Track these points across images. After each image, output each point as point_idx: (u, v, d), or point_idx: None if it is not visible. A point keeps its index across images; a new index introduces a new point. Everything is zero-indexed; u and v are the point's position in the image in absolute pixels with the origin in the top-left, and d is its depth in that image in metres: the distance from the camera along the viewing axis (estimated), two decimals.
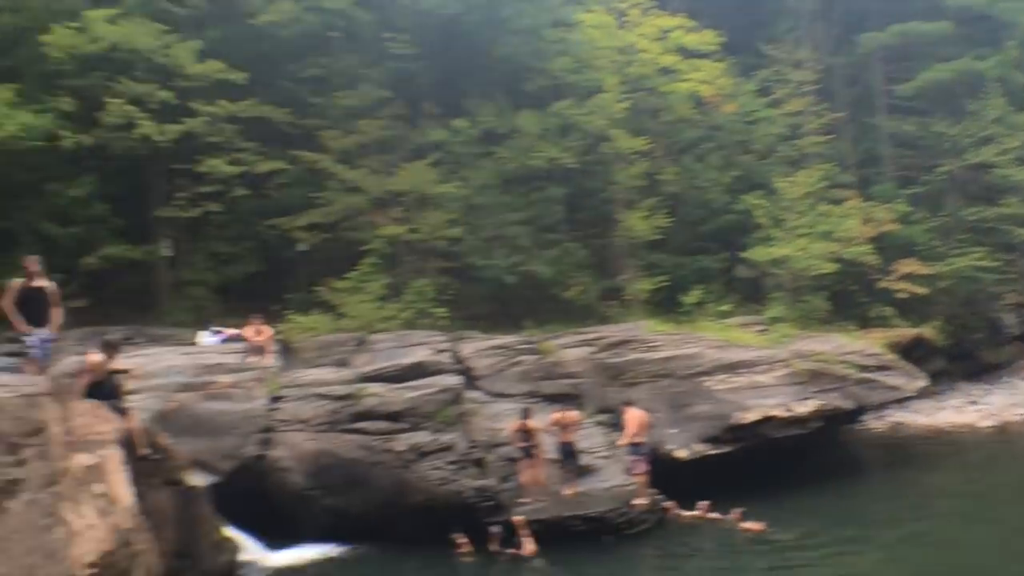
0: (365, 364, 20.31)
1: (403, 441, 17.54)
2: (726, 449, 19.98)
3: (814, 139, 33.56)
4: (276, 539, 16.39)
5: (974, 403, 32.15)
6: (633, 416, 18.24)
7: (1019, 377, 36.70)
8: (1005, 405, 30.92)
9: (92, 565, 8.46)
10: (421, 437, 17.69)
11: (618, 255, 29.18)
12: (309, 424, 17.84)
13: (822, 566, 14.76)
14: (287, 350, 21.68)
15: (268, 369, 19.58)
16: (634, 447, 17.90)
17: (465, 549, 15.99)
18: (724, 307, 27.80)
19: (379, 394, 18.59)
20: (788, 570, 14.75)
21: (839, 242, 29.58)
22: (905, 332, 30.91)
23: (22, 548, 7.66)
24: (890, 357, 24.87)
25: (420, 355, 20.24)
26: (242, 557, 15.41)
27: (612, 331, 23.68)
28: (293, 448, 17.35)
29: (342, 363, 20.77)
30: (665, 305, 27.88)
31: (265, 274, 25.95)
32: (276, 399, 18.49)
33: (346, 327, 22.89)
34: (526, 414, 17.81)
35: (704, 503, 17.91)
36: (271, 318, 22.10)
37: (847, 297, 31.91)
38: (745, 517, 17.12)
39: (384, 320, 23.15)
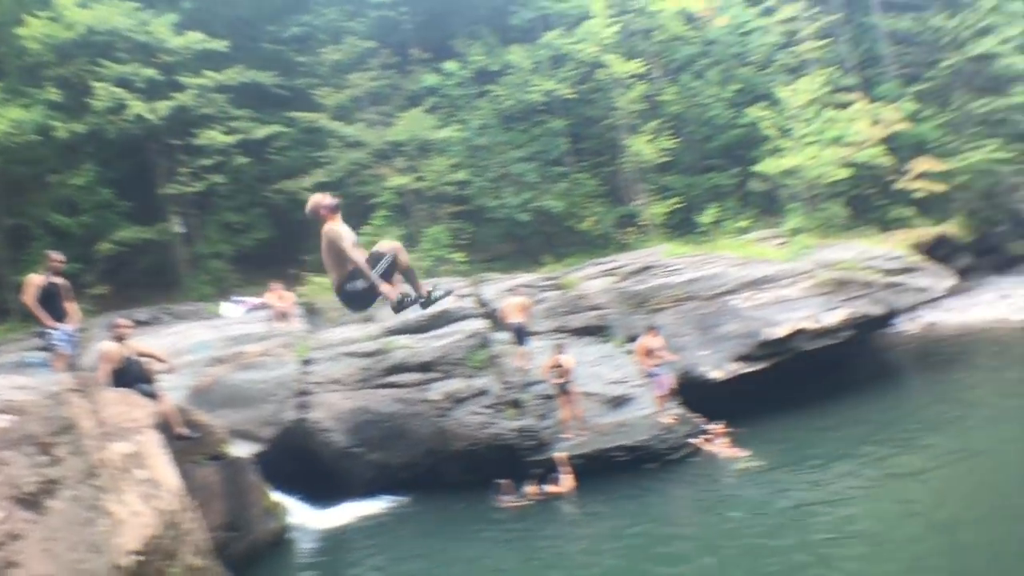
0: (390, 318, 20.33)
1: (437, 390, 17.67)
2: (759, 366, 19.92)
3: (811, 44, 32.94)
4: (323, 499, 16.59)
5: (1006, 296, 31.89)
6: (640, 344, 18.29)
7: None
8: None
9: (137, 552, 8.51)
10: (455, 384, 17.84)
11: (628, 181, 29.01)
12: (342, 383, 17.99)
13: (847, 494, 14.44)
14: (311, 312, 21.75)
15: (295, 333, 19.66)
16: (652, 369, 17.95)
17: (508, 492, 16.03)
18: (741, 223, 27.72)
19: (408, 346, 18.72)
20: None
21: (850, 146, 29.23)
22: (927, 231, 30.70)
23: (66, 545, 7.67)
24: (915, 258, 24.64)
25: (445, 303, 20.17)
26: (291, 521, 15.59)
27: (632, 258, 23.65)
28: (330, 408, 17.49)
29: (367, 319, 20.78)
30: (682, 227, 27.83)
31: (279, 239, 25.98)
32: (307, 362, 18.63)
33: None
34: (559, 350, 17.82)
35: (718, 425, 17.90)
36: (291, 282, 22.18)
37: (864, 201, 31.70)
38: (730, 443, 17.15)
39: None
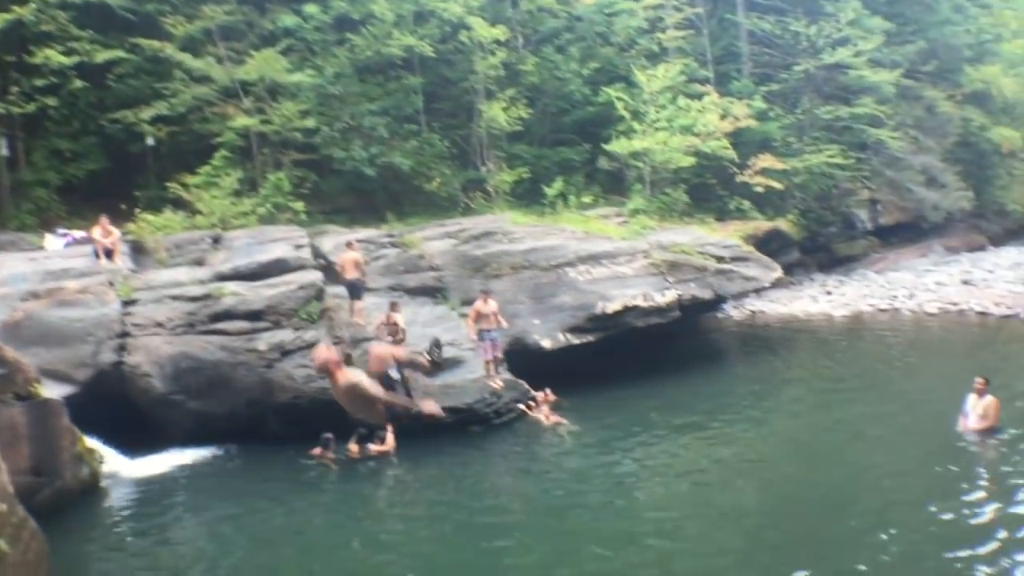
0: (222, 262, 19.78)
1: (265, 340, 17.27)
2: (589, 338, 20.46)
3: (674, 33, 33.70)
4: (140, 447, 16.05)
5: (829, 293, 33.85)
6: (473, 308, 18.36)
7: (872, 270, 38.92)
8: (858, 296, 32.62)
9: None
10: (284, 335, 17.46)
11: (479, 147, 28.94)
12: (166, 327, 17.27)
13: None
14: (139, 251, 20.82)
15: (119, 272, 18.80)
16: (481, 333, 18.04)
17: (330, 449, 15.90)
18: (586, 199, 28.20)
19: (238, 293, 18.16)
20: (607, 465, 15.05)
21: (698, 136, 30.13)
22: (761, 225, 32.06)
23: None
24: (747, 248, 25.75)
25: (279, 251, 19.79)
26: (105, 468, 15.09)
27: (474, 223, 23.76)
28: (151, 352, 16.76)
29: (198, 262, 20.17)
30: (527, 197, 28.07)
31: (112, 172, 24.71)
32: (129, 303, 17.76)
33: (200, 225, 22.20)
34: (393, 308, 17.72)
35: (544, 393, 18.29)
36: (121, 218, 21.19)
37: (706, 190, 32.75)
38: (556, 411, 17.66)
39: (240, 216, 22.53)
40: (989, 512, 11.49)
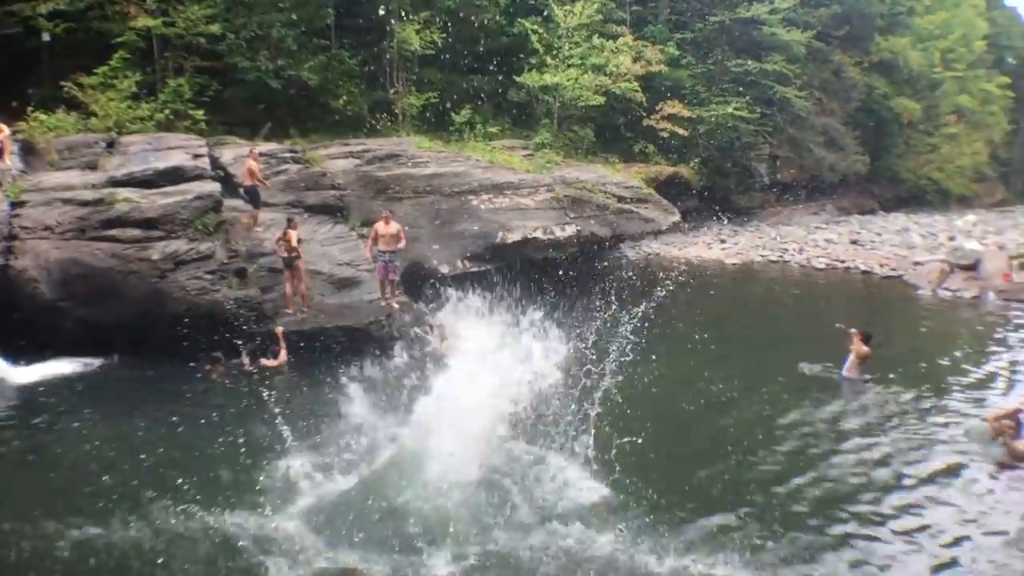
0: (116, 168, 19.07)
1: (158, 249, 16.80)
2: (487, 267, 20.63)
3: None
4: (23, 354, 15.52)
5: (723, 242, 34.79)
6: (372, 229, 18.21)
7: (766, 222, 40.02)
8: (750, 246, 33.61)
9: None
10: (178, 245, 17.03)
11: (389, 68, 28.48)
12: (55, 231, 16.65)
13: None
14: (29, 151, 19.93)
15: (7, 172, 18.04)
16: (380, 255, 17.98)
17: (220, 362, 15.75)
18: (492, 129, 28.19)
19: (131, 200, 17.55)
20: None
21: (609, 77, 30.27)
22: (664, 169, 32.66)
23: None
24: (648, 191, 26.17)
25: (176, 159, 19.20)
26: None
27: (379, 144, 23.48)
28: (38, 257, 16.18)
29: (90, 166, 19.42)
30: (434, 123, 27.88)
31: (4, 68, 23.46)
32: (18, 204, 17.04)
33: (95, 127, 21.35)
34: (290, 223, 17.51)
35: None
36: (11, 116, 20.22)
37: (612, 131, 33.08)
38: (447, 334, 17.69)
39: (137, 121, 21.76)
40: (869, 443, 12.57)
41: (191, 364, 15.59)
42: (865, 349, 15.59)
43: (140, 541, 9.08)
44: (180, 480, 10.51)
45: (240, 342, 16.12)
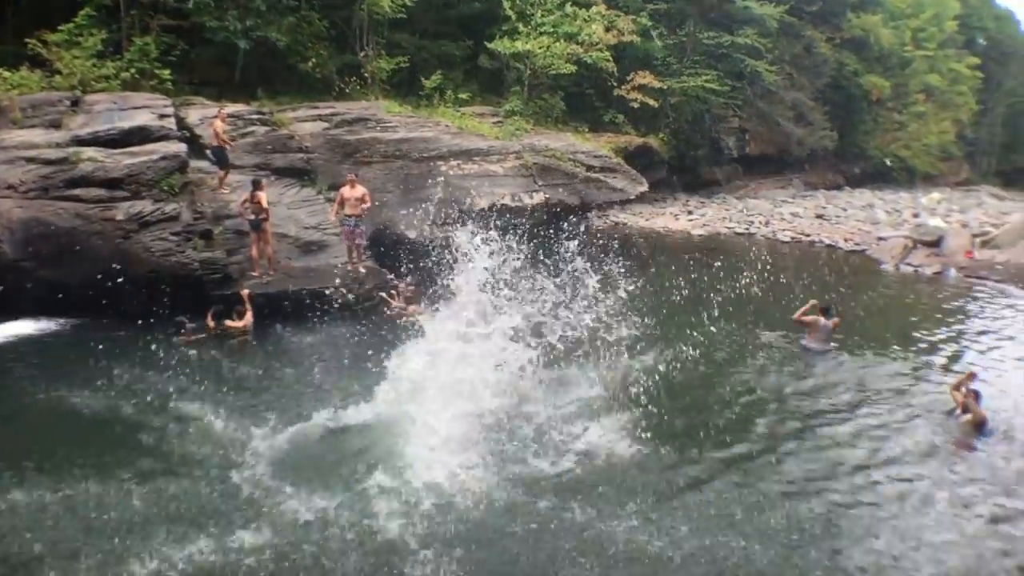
0: (80, 127, 18.81)
1: (123, 210, 16.60)
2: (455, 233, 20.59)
3: None
4: None
5: (690, 213, 35.00)
6: (339, 193, 18.16)
7: (733, 195, 40.26)
8: (717, 218, 33.82)
9: None
10: (143, 206, 16.84)
11: (359, 31, 28.19)
12: (18, 190, 16.43)
13: None
14: None
15: None
16: (346, 219, 17.94)
17: (185, 324, 15.66)
18: (462, 95, 28.02)
19: (96, 159, 17.34)
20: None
21: (581, 45, 30.18)
22: (633, 139, 32.68)
23: None
24: (617, 160, 26.25)
25: (142, 119, 18.96)
26: None
27: (348, 108, 23.34)
28: (1, 216, 16.01)
29: (54, 125, 19.11)
30: (404, 87, 27.70)
31: None
32: None
33: (59, 85, 21.00)
34: (257, 185, 17.39)
35: (405, 282, 18.39)
36: None
37: (582, 100, 33.00)
38: (414, 301, 17.72)
39: (102, 80, 21.43)
40: (831, 414, 12.83)
41: (154, 327, 15.49)
42: (823, 321, 15.85)
43: (97, 499, 9.09)
44: (131, 445, 10.55)
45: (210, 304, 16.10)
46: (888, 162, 55.25)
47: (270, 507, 8.98)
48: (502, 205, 21.13)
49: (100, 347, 14.30)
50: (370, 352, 13.96)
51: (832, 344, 15.98)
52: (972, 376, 13.10)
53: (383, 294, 18.01)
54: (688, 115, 37.08)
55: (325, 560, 8.11)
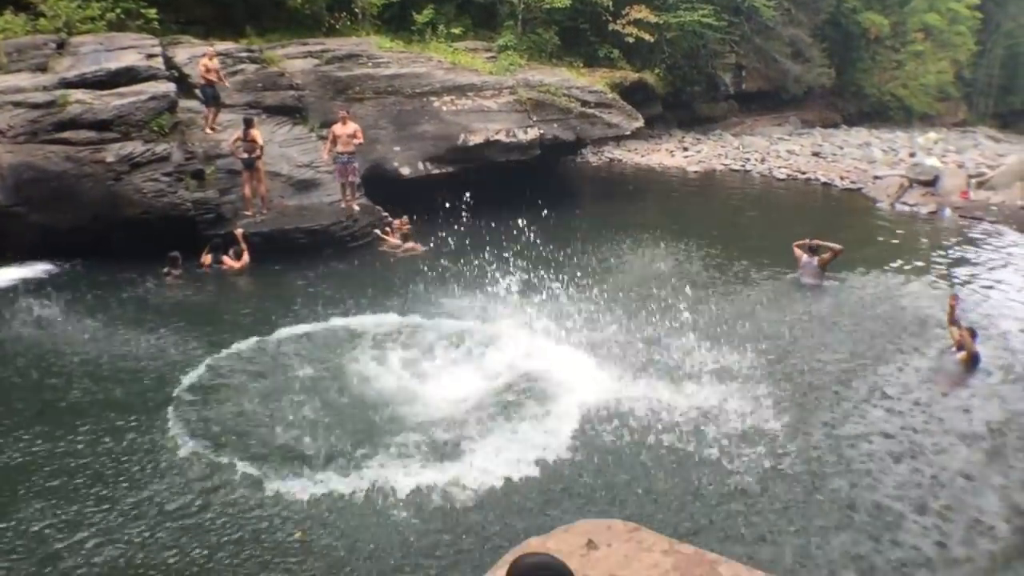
0: (67, 69, 18.52)
1: (113, 152, 16.45)
2: (449, 169, 20.50)
3: None
4: None
5: (685, 149, 34.80)
6: (331, 129, 17.98)
7: (729, 132, 39.95)
8: (713, 155, 33.66)
9: None
10: (133, 147, 16.67)
11: None
12: (7, 135, 16.24)
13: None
14: None
15: None
16: (338, 156, 17.77)
17: (178, 265, 15.56)
18: (455, 30, 27.58)
19: (84, 101, 17.15)
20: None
21: None
22: (629, 75, 32.25)
23: None
24: (611, 96, 25.89)
25: (129, 60, 18.65)
26: None
27: (339, 44, 22.94)
28: None
29: (40, 68, 18.84)
30: (395, 23, 27.24)
31: None
32: None
33: (44, 28, 20.64)
34: (249, 124, 17.21)
35: (399, 220, 18.33)
36: None
37: (577, 35, 32.52)
38: (411, 238, 17.76)
39: (87, 21, 21.03)
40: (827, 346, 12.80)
41: (148, 268, 15.46)
42: (806, 258, 15.98)
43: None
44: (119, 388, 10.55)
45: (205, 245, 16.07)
46: (886, 100, 54.92)
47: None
48: (496, 141, 20.92)
49: (88, 289, 14.42)
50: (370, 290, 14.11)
51: (825, 279, 15.97)
52: (955, 299, 13.08)
53: (378, 231, 17.94)
54: (684, 50, 36.63)
55: None
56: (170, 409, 9.75)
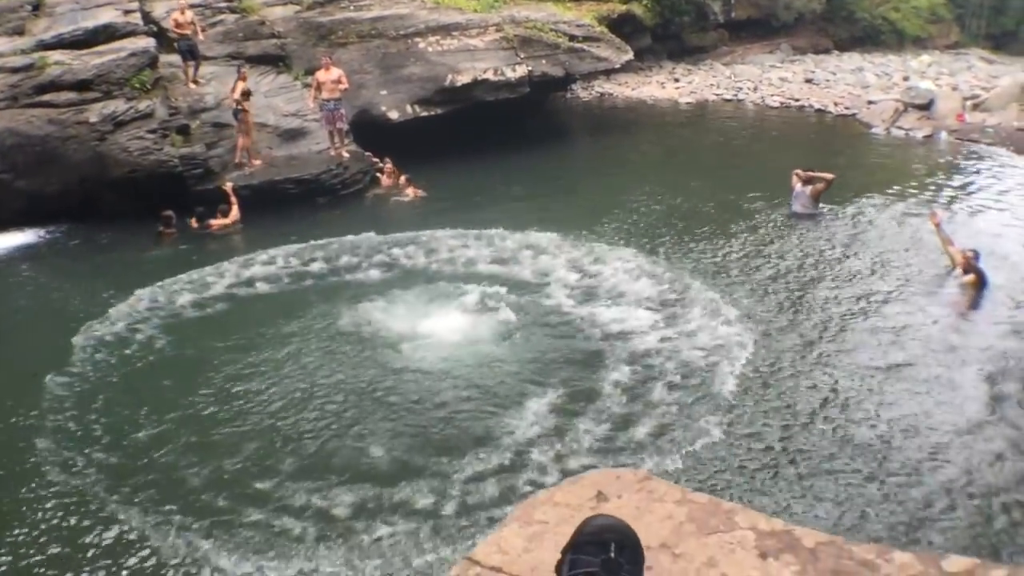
0: (44, 31, 18.19)
1: (96, 111, 16.18)
2: (437, 111, 20.25)
3: None
4: None
5: (676, 81, 34.33)
6: (315, 76, 17.75)
7: (720, 62, 39.38)
8: (704, 85, 33.19)
9: None
10: (116, 106, 16.40)
11: None
12: None
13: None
14: None
15: None
16: (324, 103, 17.53)
17: (169, 223, 15.37)
18: None
19: (63, 62, 16.86)
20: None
21: None
22: (615, 7, 31.69)
23: None
24: (600, 29, 25.44)
25: (106, 17, 18.30)
26: None
27: None
28: None
29: (17, 31, 18.49)
30: None
31: None
32: None
33: None
34: (242, 75, 16.94)
35: (387, 164, 18.23)
36: None
37: None
38: (412, 183, 17.58)
39: None
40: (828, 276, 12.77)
41: (139, 227, 15.32)
42: (799, 187, 15.67)
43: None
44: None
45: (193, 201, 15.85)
46: (877, 24, 54.17)
47: None
48: (484, 80, 20.61)
49: (81, 252, 14.39)
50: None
51: (821, 207, 15.75)
52: (935, 216, 12.95)
53: (378, 174, 17.86)
54: None
55: None
56: None
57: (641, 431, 8.06)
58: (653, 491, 4.37)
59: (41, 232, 15.76)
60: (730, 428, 8.20)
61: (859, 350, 9.99)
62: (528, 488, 6.90)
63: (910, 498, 7.12)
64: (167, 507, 7.07)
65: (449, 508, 6.93)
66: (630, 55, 25.25)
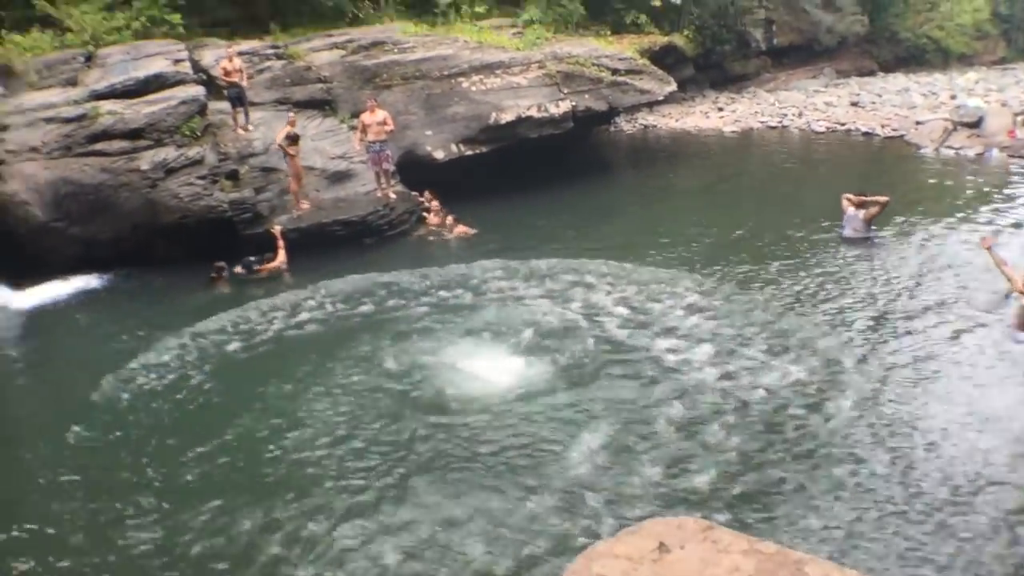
0: (96, 81, 18.58)
1: (147, 159, 16.50)
2: (482, 149, 20.35)
3: None
4: (22, 278, 15.38)
5: (720, 110, 34.25)
6: (360, 118, 17.90)
7: (764, 89, 39.26)
8: (748, 113, 33.07)
9: None
10: (167, 153, 16.72)
11: None
12: (42, 152, 16.32)
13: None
14: (6, 74, 19.45)
15: None
16: (370, 145, 17.67)
17: (221, 269, 15.55)
18: (479, 9, 27.26)
19: (115, 112, 17.20)
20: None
21: None
22: (657, 39, 31.75)
23: None
24: (642, 62, 25.48)
25: (157, 67, 18.68)
26: None
27: (363, 33, 22.78)
28: (28, 179, 15.89)
29: (70, 82, 18.95)
30: (418, 7, 26.94)
31: None
32: (1, 129, 16.74)
33: (71, 43, 20.76)
34: (289, 120, 17.18)
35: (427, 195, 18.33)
36: None
37: (602, 3, 32.05)
38: (460, 222, 17.63)
39: (113, 32, 21.11)
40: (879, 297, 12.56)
41: (191, 273, 15.53)
42: (851, 211, 15.53)
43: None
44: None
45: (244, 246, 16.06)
46: (922, 43, 53.63)
47: None
48: (528, 117, 20.72)
49: (135, 298, 14.60)
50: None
51: (873, 231, 15.53)
52: (987, 241, 12.49)
53: (424, 213, 17.95)
54: (712, 10, 35.97)
55: None
56: None
57: (701, 479, 7.87)
58: (717, 541, 4.23)
59: (98, 277, 16.01)
60: (799, 473, 7.94)
61: (941, 396, 9.50)
62: (584, 539, 6.74)
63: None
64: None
65: (504, 564, 6.78)
66: (673, 86, 25.23)
